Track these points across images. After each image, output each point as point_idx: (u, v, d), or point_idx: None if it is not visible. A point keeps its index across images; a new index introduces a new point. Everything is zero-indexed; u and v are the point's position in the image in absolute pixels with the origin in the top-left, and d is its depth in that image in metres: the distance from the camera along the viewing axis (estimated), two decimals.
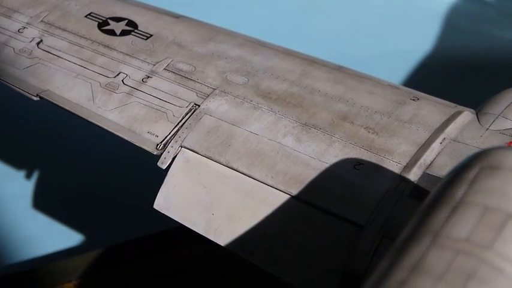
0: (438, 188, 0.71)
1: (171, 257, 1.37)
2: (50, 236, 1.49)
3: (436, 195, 0.70)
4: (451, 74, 1.84)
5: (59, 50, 1.13)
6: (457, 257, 0.62)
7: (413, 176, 0.88)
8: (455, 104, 0.99)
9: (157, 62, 1.09)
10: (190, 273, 1.35)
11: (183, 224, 0.96)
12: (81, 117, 1.05)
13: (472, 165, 0.69)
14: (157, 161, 0.98)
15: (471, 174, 0.68)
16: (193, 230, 0.95)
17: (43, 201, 1.55)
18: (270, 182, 0.92)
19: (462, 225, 0.64)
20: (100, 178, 1.59)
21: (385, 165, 0.90)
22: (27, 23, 1.19)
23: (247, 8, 2.04)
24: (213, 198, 0.94)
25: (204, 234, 0.94)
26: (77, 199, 1.56)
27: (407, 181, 0.87)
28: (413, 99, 0.99)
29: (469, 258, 0.62)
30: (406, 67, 1.87)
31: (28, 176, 1.60)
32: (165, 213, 0.97)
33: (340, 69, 1.07)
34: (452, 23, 2.01)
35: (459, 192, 0.67)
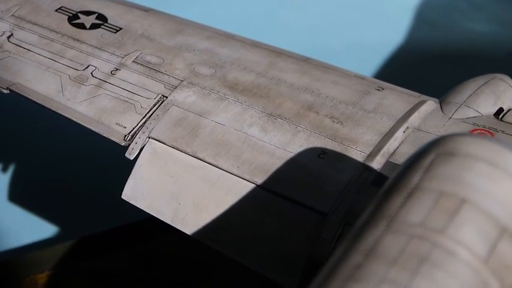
0: (395, 175, 0.72)
1: (143, 247, 1.37)
2: (22, 228, 1.49)
3: (393, 182, 0.71)
4: (422, 66, 1.84)
5: (29, 44, 1.14)
6: (411, 241, 0.63)
7: (377, 164, 0.89)
8: (419, 94, 1.00)
9: (126, 55, 1.10)
10: (162, 262, 1.36)
11: (151, 213, 0.97)
12: (50, 110, 1.05)
13: (428, 151, 0.71)
14: (125, 152, 0.99)
15: (427, 160, 0.70)
16: (161, 219, 0.96)
17: (17, 194, 1.55)
18: (235, 172, 0.93)
19: (417, 210, 0.66)
20: (72, 170, 1.59)
21: (349, 154, 0.91)
22: None
23: (221, 0, 2.04)
24: (180, 188, 0.95)
25: (171, 224, 0.95)
26: (49, 191, 1.56)
27: (371, 169, 0.89)
28: (378, 89, 1.00)
29: (423, 243, 0.63)
30: (378, 59, 1.87)
31: (3, 169, 1.60)
32: (133, 203, 0.98)
33: (306, 60, 1.08)
34: (423, 15, 2.02)
35: (415, 178, 0.69)
